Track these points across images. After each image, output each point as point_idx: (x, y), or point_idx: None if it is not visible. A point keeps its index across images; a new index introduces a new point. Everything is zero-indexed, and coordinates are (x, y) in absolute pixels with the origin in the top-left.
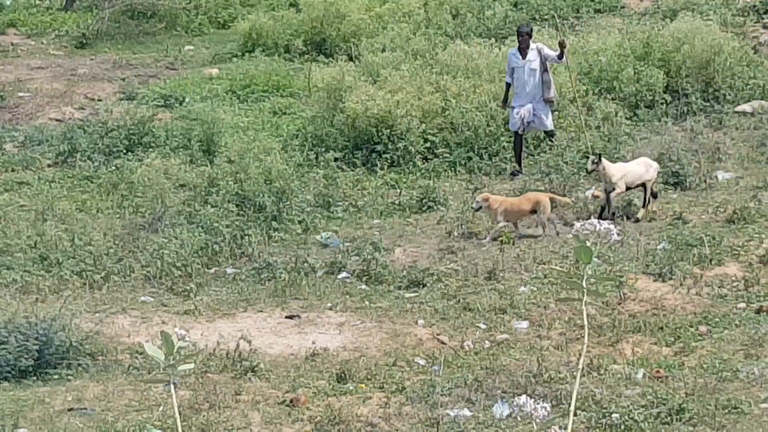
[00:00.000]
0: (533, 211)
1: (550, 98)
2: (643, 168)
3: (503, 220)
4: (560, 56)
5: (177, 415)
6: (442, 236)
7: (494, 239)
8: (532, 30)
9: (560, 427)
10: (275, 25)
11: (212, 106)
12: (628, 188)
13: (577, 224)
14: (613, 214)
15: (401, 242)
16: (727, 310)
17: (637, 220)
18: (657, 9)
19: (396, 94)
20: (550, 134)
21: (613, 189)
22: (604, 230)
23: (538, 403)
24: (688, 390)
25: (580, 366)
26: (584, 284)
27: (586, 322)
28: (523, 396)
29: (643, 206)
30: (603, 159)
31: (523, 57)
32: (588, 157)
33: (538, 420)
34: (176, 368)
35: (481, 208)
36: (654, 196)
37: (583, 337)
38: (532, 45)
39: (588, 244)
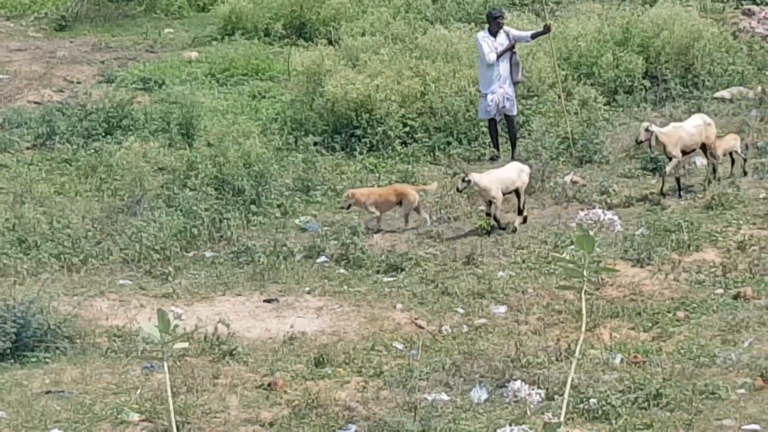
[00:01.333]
0: (399, 203)
1: (519, 80)
2: (514, 174)
3: (376, 210)
4: (533, 36)
5: (169, 393)
6: (421, 221)
7: (370, 228)
8: (504, 14)
9: (553, 414)
10: (255, 8)
11: (191, 90)
12: (504, 194)
13: (581, 213)
14: (502, 227)
15: (380, 226)
16: (705, 296)
17: (515, 230)
18: None
19: (375, 78)
20: (511, 121)
21: (491, 203)
22: (608, 220)
23: (532, 389)
24: (665, 375)
25: (577, 353)
26: (585, 272)
27: (584, 311)
28: (518, 381)
29: (519, 213)
30: (473, 175)
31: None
32: (464, 181)
33: (532, 406)
34: (171, 347)
35: (350, 205)
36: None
37: (561, 322)
38: (504, 29)
39: (591, 233)
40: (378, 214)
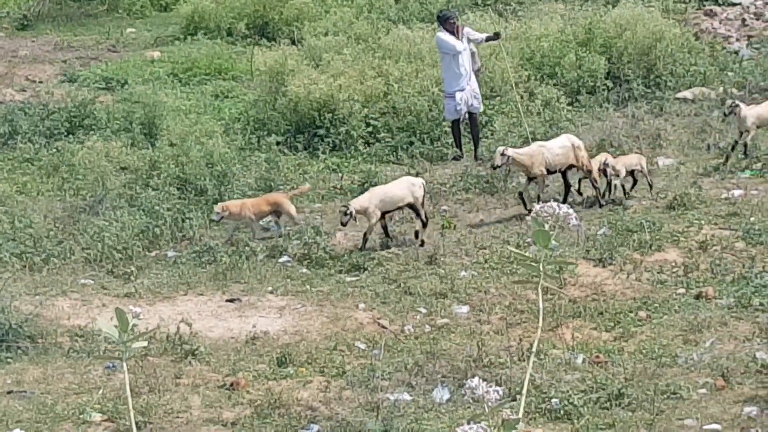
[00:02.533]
0: (273, 212)
1: (478, 69)
2: (402, 190)
3: (255, 218)
4: (487, 39)
5: (128, 392)
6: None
7: (261, 238)
8: (455, 15)
9: (511, 411)
10: (217, 8)
11: (154, 89)
12: (385, 212)
13: (537, 206)
14: (365, 248)
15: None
16: (667, 296)
17: (423, 243)
18: None
19: (338, 78)
20: (474, 119)
21: (369, 219)
22: (563, 214)
23: (490, 386)
24: (627, 375)
25: (534, 348)
26: (541, 267)
27: (541, 306)
28: (476, 378)
29: (423, 226)
30: (351, 204)
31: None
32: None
33: (490, 404)
34: (130, 346)
35: (222, 218)
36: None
37: (524, 322)
38: (464, 30)
39: (546, 227)
40: (257, 222)
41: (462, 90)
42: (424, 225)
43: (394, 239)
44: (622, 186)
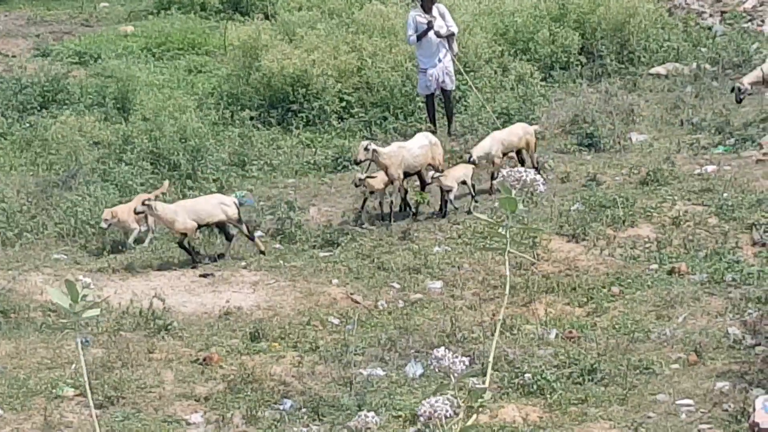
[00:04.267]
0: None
1: (454, 53)
2: (214, 207)
3: (136, 224)
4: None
5: (83, 366)
6: (357, 196)
7: (138, 242)
8: None
9: (477, 381)
10: None
11: (127, 64)
12: (203, 225)
13: (503, 171)
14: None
15: (316, 201)
16: (640, 272)
17: (263, 253)
18: None
19: (312, 53)
20: (447, 96)
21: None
22: (530, 180)
23: (456, 356)
24: (600, 350)
25: (500, 317)
26: (507, 234)
27: (508, 272)
28: (441, 348)
29: (250, 239)
30: (158, 205)
31: (429, 15)
32: None
33: (455, 375)
34: (81, 316)
35: (110, 225)
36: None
37: (497, 297)
38: (435, 4)
39: (513, 193)
40: (139, 228)
41: (434, 67)
42: (251, 239)
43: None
44: (450, 200)
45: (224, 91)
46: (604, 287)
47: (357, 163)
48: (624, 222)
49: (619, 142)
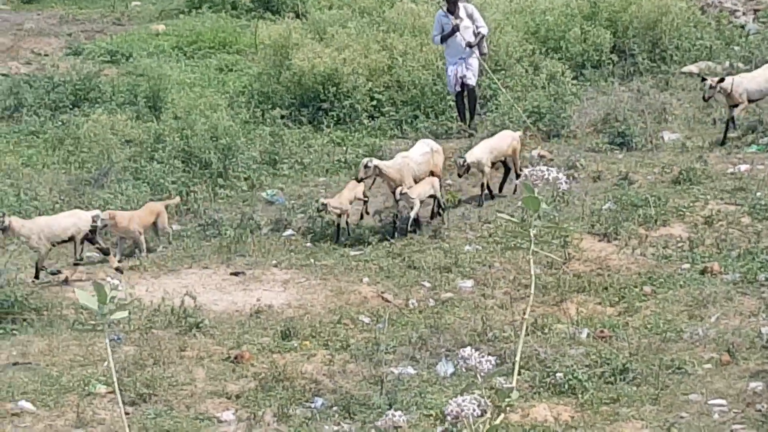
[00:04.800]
0: (154, 223)
1: (483, 53)
2: (70, 223)
3: (138, 233)
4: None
5: (112, 364)
6: (388, 194)
7: (126, 255)
8: None
9: (504, 380)
10: None
11: (159, 62)
12: (62, 242)
13: (526, 170)
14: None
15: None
16: (672, 271)
17: (119, 270)
18: None
19: (343, 51)
20: (471, 91)
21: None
22: (553, 178)
23: (483, 356)
24: (632, 350)
25: (526, 315)
26: (532, 233)
27: (533, 271)
28: (468, 348)
29: (104, 254)
30: (10, 220)
31: (455, 17)
32: None
33: (482, 374)
34: (109, 317)
35: (106, 226)
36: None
37: (528, 296)
38: (460, 4)
39: (536, 192)
40: (140, 236)
41: (454, 64)
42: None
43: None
44: (412, 217)
45: (255, 90)
46: (636, 287)
47: (359, 181)
48: (656, 221)
49: (651, 141)
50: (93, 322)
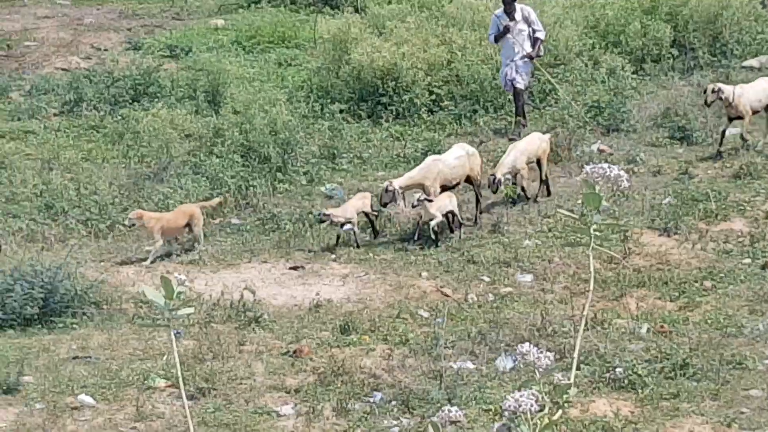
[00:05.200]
0: (187, 225)
1: (538, 55)
2: None
3: (161, 237)
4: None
5: (176, 358)
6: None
7: (152, 262)
8: None
9: (562, 376)
10: None
11: (218, 57)
12: None
13: (587, 167)
14: None
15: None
16: (733, 266)
17: None
18: None
19: (402, 46)
20: (519, 95)
21: None
22: (615, 175)
23: (541, 352)
24: (692, 345)
25: (586, 310)
26: (591, 230)
27: (592, 268)
28: (527, 343)
29: None
30: None
31: (510, 19)
32: None
33: (541, 369)
34: (176, 313)
35: (134, 225)
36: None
37: (587, 291)
38: (518, 6)
39: (597, 189)
40: (161, 242)
41: (506, 65)
42: None
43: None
44: (433, 229)
45: (314, 84)
46: (696, 281)
47: (384, 206)
48: (716, 216)
49: (711, 136)
50: (153, 317)
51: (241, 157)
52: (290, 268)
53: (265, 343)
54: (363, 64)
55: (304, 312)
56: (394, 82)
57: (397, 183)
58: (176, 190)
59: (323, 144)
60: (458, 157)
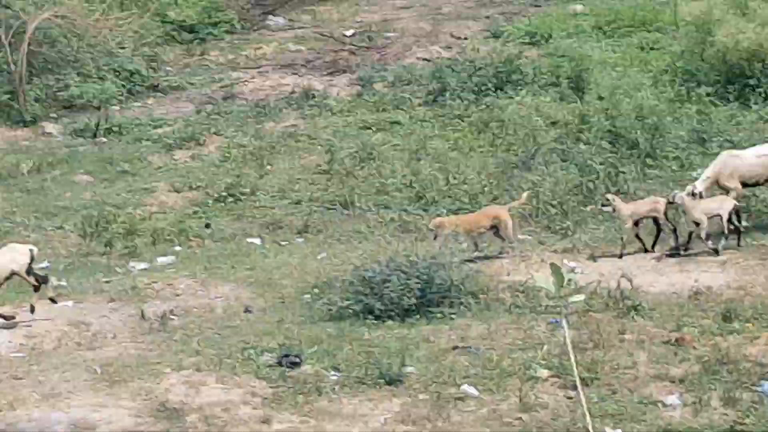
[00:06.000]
0: (493, 227)
1: None
2: (7, 260)
3: (466, 235)
4: None
5: (570, 348)
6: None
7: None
8: None
9: None
10: None
11: (579, 43)
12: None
13: None
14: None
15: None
16: None
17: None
18: None
19: (766, 26)
20: None
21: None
22: None
23: None
24: None
25: None
26: None
27: None
28: None
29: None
30: None
31: None
32: None
33: None
34: (567, 300)
35: (436, 236)
36: None
37: None
38: None
39: None
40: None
41: None
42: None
43: None
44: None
45: (679, 68)
46: None
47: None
48: None
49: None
50: (531, 306)
51: (609, 143)
52: (667, 255)
53: (646, 332)
54: (728, 45)
55: (684, 300)
56: (760, 64)
57: (699, 185)
58: (545, 178)
59: (691, 128)
60: (760, 155)
